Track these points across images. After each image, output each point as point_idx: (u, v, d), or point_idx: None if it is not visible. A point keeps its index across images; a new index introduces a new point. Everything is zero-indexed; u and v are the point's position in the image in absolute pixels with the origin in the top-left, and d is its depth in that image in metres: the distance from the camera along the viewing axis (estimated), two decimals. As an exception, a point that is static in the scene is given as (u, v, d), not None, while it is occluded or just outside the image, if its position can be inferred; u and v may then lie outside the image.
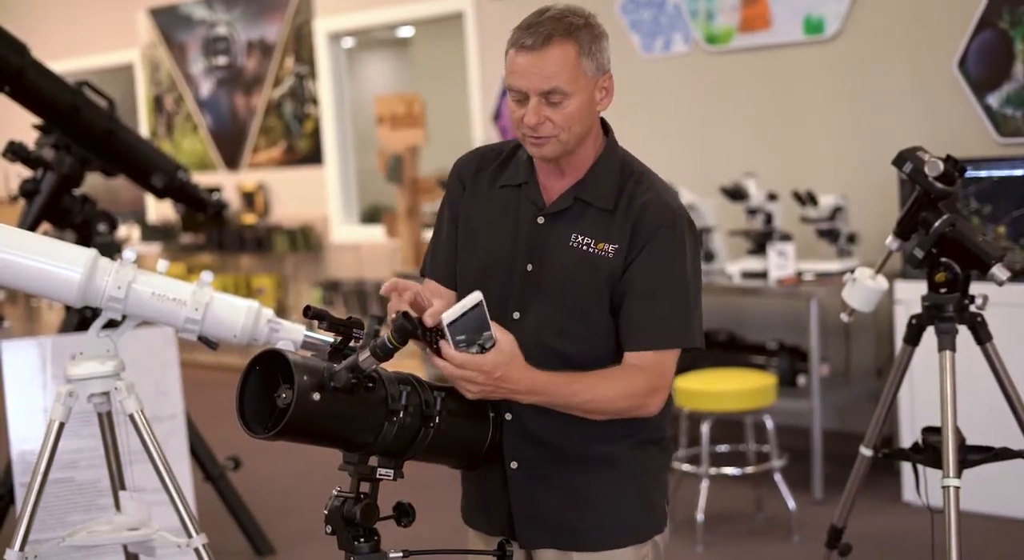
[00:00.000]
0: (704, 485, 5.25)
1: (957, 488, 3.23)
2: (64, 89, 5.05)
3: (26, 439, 4.70)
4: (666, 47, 7.03)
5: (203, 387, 7.41)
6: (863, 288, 3.52)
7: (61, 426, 3.03)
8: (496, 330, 2.28)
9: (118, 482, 3.23)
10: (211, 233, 9.60)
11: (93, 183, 9.04)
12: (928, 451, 3.39)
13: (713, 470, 5.37)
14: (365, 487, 2.42)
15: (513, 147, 2.66)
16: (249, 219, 9.55)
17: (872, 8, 6.26)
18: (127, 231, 10.51)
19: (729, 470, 5.54)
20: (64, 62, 10.75)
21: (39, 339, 5.14)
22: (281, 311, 9.41)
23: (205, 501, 5.35)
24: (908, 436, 5.40)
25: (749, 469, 5.45)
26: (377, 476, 2.41)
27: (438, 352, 2.26)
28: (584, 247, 2.51)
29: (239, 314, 3.01)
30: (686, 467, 5.44)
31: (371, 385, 2.31)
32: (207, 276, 3.00)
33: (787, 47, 6.57)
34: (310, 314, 2.46)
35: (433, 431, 2.40)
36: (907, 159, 3.36)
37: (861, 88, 6.33)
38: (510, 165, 2.66)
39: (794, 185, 6.27)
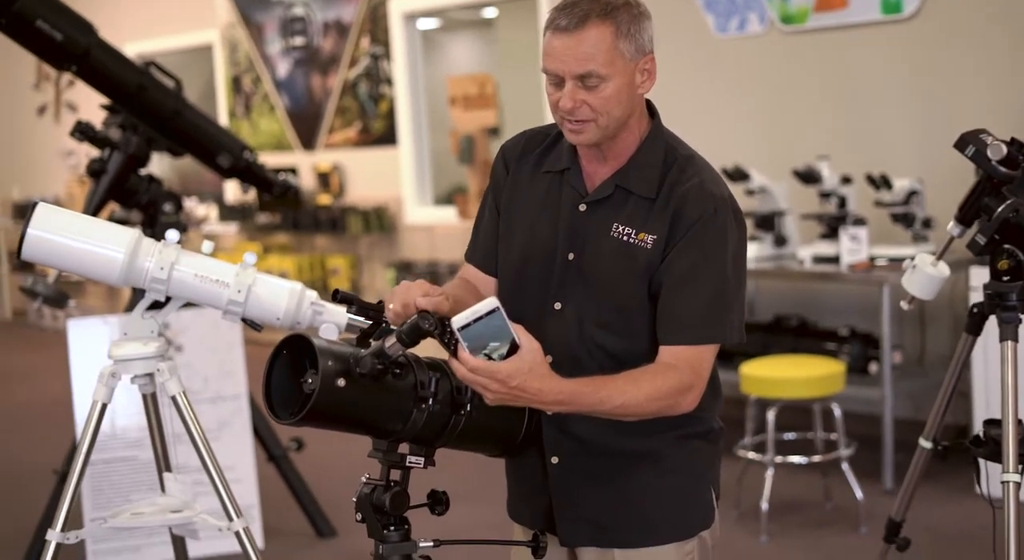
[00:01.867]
0: (769, 474, 5.16)
1: (1017, 484, 3.12)
2: (131, 69, 5.05)
3: (91, 417, 4.73)
4: (741, 27, 6.91)
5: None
6: (923, 275, 3.41)
7: (104, 407, 3.02)
8: (521, 336, 2.17)
9: (163, 463, 3.22)
10: (287, 213, 9.64)
11: (175, 163, 9.11)
12: (989, 444, 3.28)
13: (779, 458, 5.27)
14: (396, 475, 2.38)
15: (559, 131, 2.56)
16: (324, 199, 9.56)
17: (952, -14, 6.10)
18: (206, 210, 10.60)
19: (796, 459, 5.44)
20: (144, 43, 10.85)
21: (105, 318, 5.18)
22: (356, 291, 9.43)
23: (268, 482, 5.36)
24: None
25: (816, 458, 5.35)
26: (407, 463, 2.37)
27: (454, 353, 2.18)
28: (624, 237, 2.42)
29: (282, 296, 2.96)
30: (751, 455, 5.34)
31: (399, 371, 2.27)
32: (250, 257, 2.96)
33: (864, 27, 6.42)
34: (338, 298, 2.43)
35: (465, 419, 2.35)
36: (969, 142, 3.24)
37: (939, 69, 6.18)
38: (554, 150, 2.59)
39: (868, 168, 6.13)
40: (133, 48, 10.73)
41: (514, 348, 2.17)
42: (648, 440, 2.47)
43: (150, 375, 3.07)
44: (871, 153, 6.37)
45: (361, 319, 2.52)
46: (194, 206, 10.70)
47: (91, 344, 4.92)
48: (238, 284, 2.92)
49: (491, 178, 2.70)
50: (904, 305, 3.49)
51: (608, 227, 2.45)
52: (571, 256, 2.47)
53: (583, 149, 2.51)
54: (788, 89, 6.78)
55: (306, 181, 9.74)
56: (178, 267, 2.89)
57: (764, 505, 5.10)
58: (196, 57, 10.91)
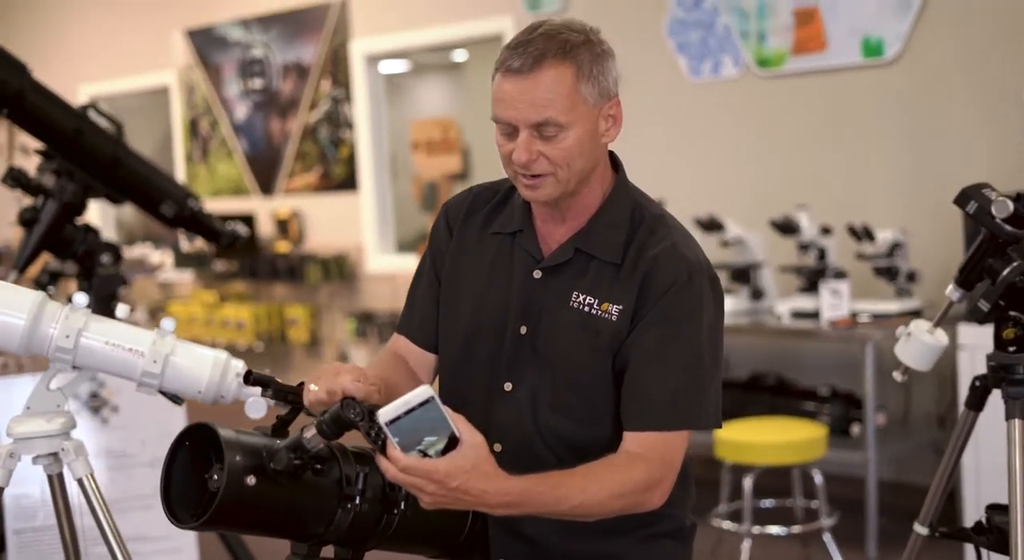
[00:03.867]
0: (746, 545, 4.82)
1: (1028, 579, 2.79)
2: (67, 112, 4.73)
3: (18, 482, 4.38)
4: (715, 70, 6.63)
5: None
6: (919, 344, 3.09)
7: (0, 491, 2.68)
8: (462, 428, 1.86)
9: (72, 553, 2.87)
10: (244, 261, 9.29)
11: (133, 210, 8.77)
12: (993, 533, 2.95)
13: (756, 529, 4.94)
14: (319, 582, 2.06)
15: (510, 186, 2.28)
16: (283, 247, 9.22)
17: (935, 30, 5.82)
18: (160, 257, 10.25)
19: (774, 529, 5.11)
20: (99, 84, 10.54)
21: (33, 376, 4.84)
22: (314, 343, 9.07)
23: (208, 548, 5.01)
24: (972, 509, 4.91)
25: (796, 528, 5.02)
26: (331, 570, 2.05)
27: (383, 450, 1.86)
28: (585, 307, 2.13)
29: (204, 366, 2.64)
30: (727, 525, 5.01)
31: (320, 466, 1.94)
32: (168, 324, 2.63)
33: (844, 71, 6.14)
34: (251, 380, 2.10)
35: (398, 518, 2.03)
36: (971, 198, 2.94)
37: (923, 115, 5.90)
38: (505, 208, 2.28)
39: (849, 219, 5.84)
40: (88, 90, 10.41)
41: (453, 442, 1.85)
42: (610, 542, 2.16)
43: (55, 454, 2.74)
44: (852, 203, 6.08)
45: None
46: (149, 253, 10.35)
47: (17, 404, 4.56)
48: (154, 353, 2.60)
49: (430, 239, 2.38)
50: (897, 376, 3.17)
51: (567, 296, 2.15)
52: (524, 330, 2.17)
53: (538, 208, 2.20)
54: (765, 136, 6.49)
55: (264, 228, 9.40)
56: (86, 334, 2.58)
57: (741, 579, 4.78)
58: (153, 100, 10.57)
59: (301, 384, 2.07)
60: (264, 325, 9.15)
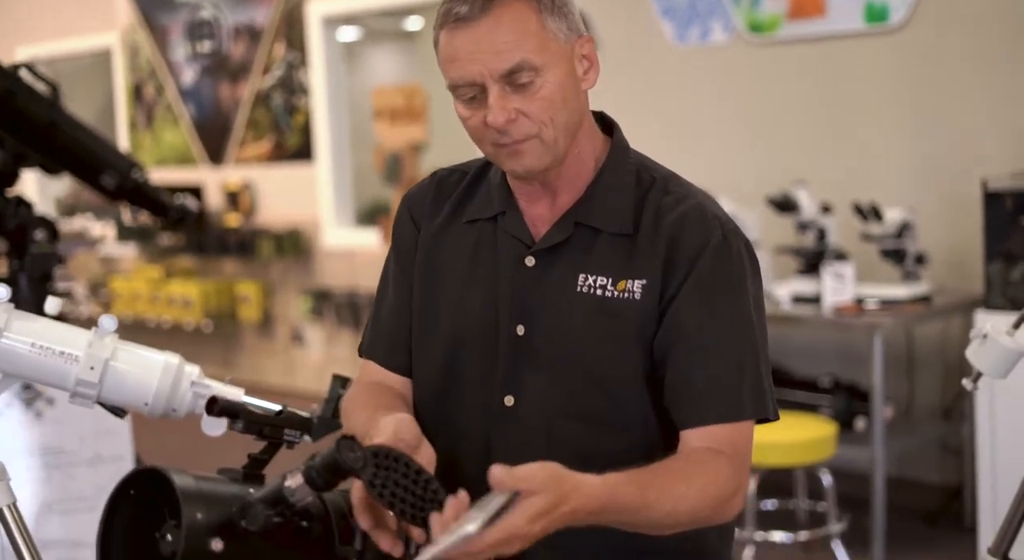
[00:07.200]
0: (749, 553, 4.42)
1: None
2: (-6, 72, 4.24)
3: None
4: (703, 36, 6.18)
5: (157, 425, 6.55)
6: (998, 348, 2.64)
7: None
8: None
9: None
10: (191, 235, 8.78)
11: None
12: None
13: (759, 535, 4.52)
14: None
15: (481, 165, 1.92)
16: (233, 220, 8.70)
17: (945, -6, 5.40)
18: (101, 230, 9.72)
19: (778, 536, 4.69)
20: (37, 46, 9.99)
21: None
22: (267, 322, 8.58)
23: None
24: (988, 509, 4.50)
25: (804, 534, 4.61)
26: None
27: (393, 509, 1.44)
28: (598, 291, 1.78)
29: (152, 374, 2.17)
30: (727, 531, 4.59)
31: (306, 524, 1.49)
32: (108, 322, 2.15)
33: (845, 37, 5.70)
34: (216, 410, 1.63)
35: None
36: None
37: (932, 85, 5.47)
38: (479, 191, 1.91)
39: (851, 196, 5.41)
40: (25, 52, 9.84)
41: None
42: None
43: (-31, 481, 2.26)
44: (855, 179, 5.65)
45: (266, 405, 1.71)
46: (89, 224, 9.80)
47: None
48: (91, 358, 2.13)
49: (394, 240, 1.98)
50: (968, 384, 2.73)
51: (571, 281, 1.79)
52: (521, 330, 1.79)
53: (521, 186, 1.83)
54: (759, 106, 6.04)
55: (213, 200, 8.88)
56: (8, 335, 2.10)
57: (744, 592, 4.37)
58: (94, 63, 10.02)
59: (281, 411, 1.61)
60: (213, 303, 8.64)
